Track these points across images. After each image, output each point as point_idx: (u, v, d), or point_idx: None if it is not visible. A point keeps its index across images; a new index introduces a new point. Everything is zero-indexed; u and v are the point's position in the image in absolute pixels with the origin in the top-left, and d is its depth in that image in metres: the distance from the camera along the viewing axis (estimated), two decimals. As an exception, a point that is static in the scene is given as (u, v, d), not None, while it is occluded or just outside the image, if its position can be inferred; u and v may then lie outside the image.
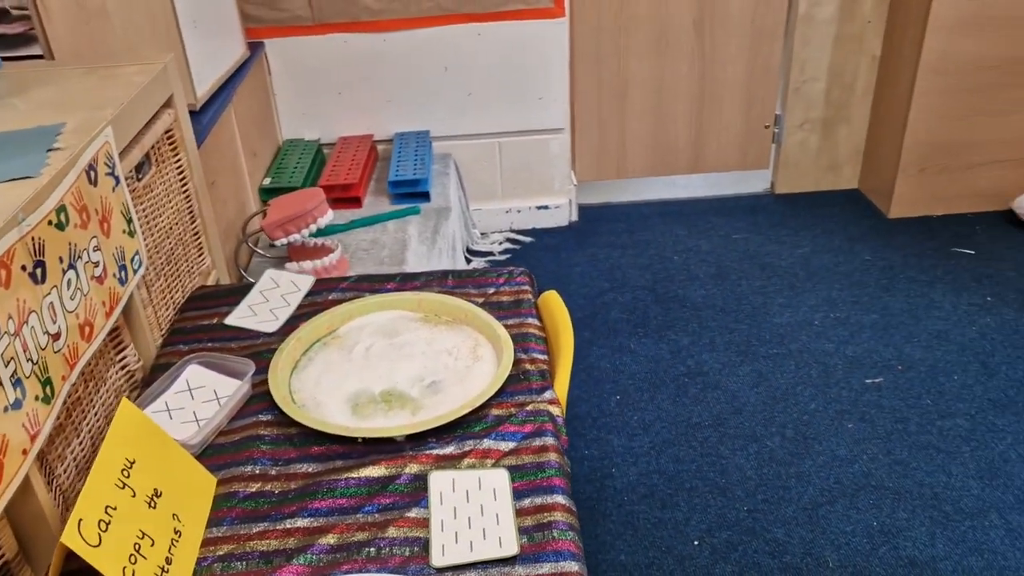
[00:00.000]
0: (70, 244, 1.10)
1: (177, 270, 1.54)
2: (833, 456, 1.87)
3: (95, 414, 1.21)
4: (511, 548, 0.97)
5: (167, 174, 1.52)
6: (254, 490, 1.08)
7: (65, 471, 1.11)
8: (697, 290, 2.49)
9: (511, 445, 1.13)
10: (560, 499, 1.04)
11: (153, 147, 1.45)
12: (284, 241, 1.92)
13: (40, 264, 1.02)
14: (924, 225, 2.75)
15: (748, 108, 2.87)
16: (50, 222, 1.05)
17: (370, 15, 2.47)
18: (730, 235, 2.78)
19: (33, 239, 1.01)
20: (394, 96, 2.61)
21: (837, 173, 2.99)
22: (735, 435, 1.94)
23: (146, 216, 1.42)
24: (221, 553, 0.99)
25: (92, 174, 1.18)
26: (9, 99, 1.34)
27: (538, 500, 1.04)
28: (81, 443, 1.16)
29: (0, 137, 1.18)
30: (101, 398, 1.23)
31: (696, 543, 1.68)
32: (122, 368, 1.31)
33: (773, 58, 2.78)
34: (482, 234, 2.82)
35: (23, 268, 0.98)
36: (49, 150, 1.14)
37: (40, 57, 1.78)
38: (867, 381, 2.08)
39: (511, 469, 1.08)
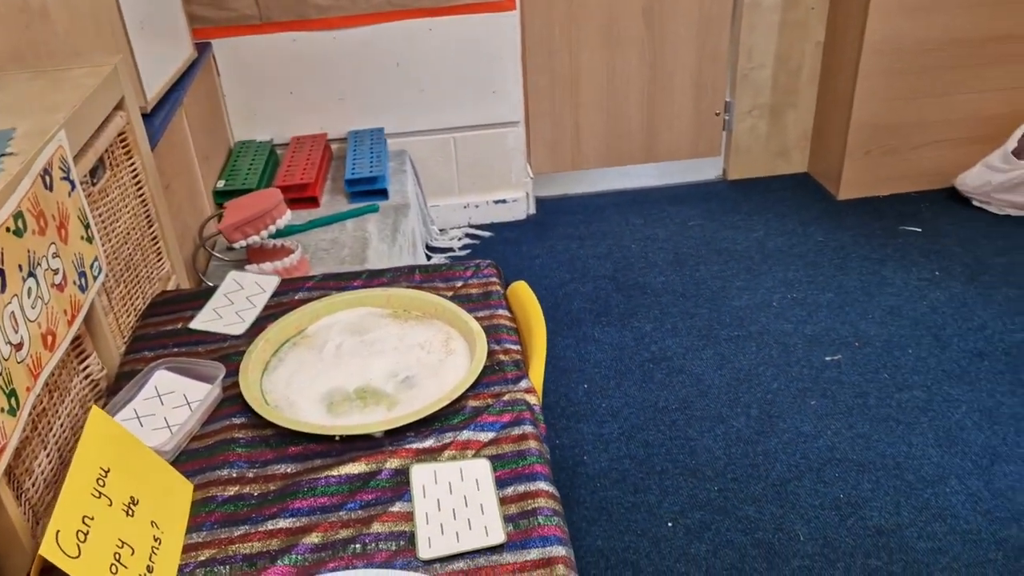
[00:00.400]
0: (29, 251, 1.07)
1: (137, 276, 1.51)
2: (798, 433, 1.91)
3: (61, 425, 1.18)
4: (497, 536, 0.97)
5: (122, 178, 1.49)
6: (232, 493, 1.06)
7: (33, 485, 1.08)
8: (657, 277, 2.53)
9: (490, 435, 1.13)
10: (543, 485, 1.05)
11: (107, 151, 1.42)
12: (243, 243, 1.89)
13: (0, 272, 0.99)
14: (872, 205, 2.83)
15: (698, 96, 2.91)
16: (8, 229, 1.02)
17: (319, 12, 2.44)
18: (686, 222, 2.82)
19: (-9, 247, 0.97)
20: (346, 94, 2.59)
21: (787, 158, 3.06)
22: (702, 417, 1.97)
23: (103, 221, 1.39)
24: (203, 558, 0.97)
25: (47, 179, 1.14)
26: (-47, 105, 1.30)
27: (521, 488, 1.04)
28: (48, 456, 1.13)
29: (-52, 144, 1.14)
30: (66, 408, 1.20)
31: (670, 524, 1.70)
32: (86, 377, 1.28)
33: (721, 46, 2.82)
34: (440, 230, 2.81)
35: (-18, 277, 0.95)
36: (1, 155, 1.11)
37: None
38: (827, 359, 2.13)
39: (492, 459, 1.09)
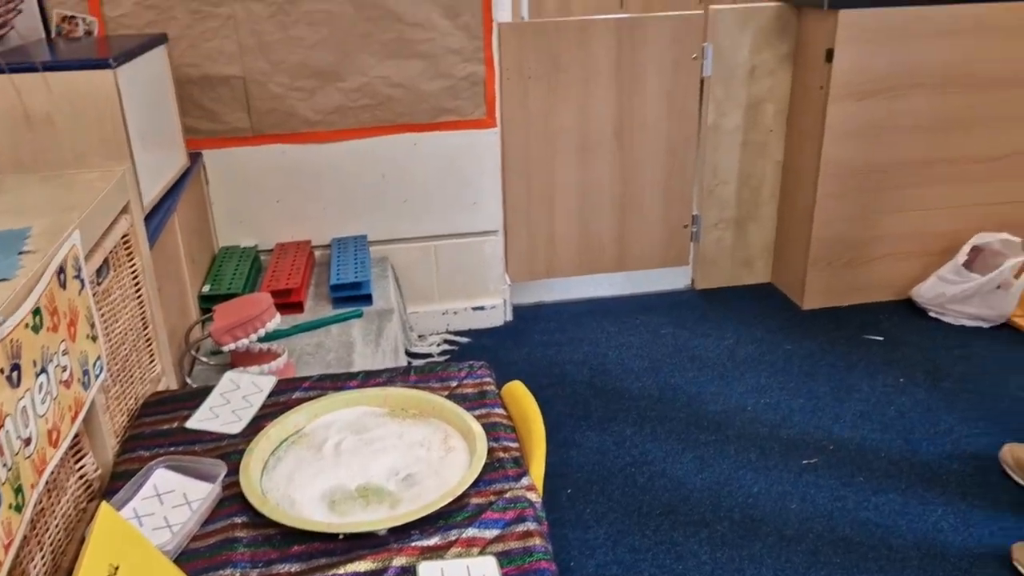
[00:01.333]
0: (43, 347, 1.08)
1: (131, 376, 1.51)
2: (781, 536, 1.93)
3: (56, 526, 1.16)
4: (509, 633, 0.97)
5: (123, 279, 1.51)
6: (237, 593, 1.05)
7: (28, 587, 1.06)
8: (633, 383, 2.57)
9: (495, 532, 1.14)
10: (551, 582, 1.05)
11: (112, 252, 1.45)
12: (232, 347, 1.90)
13: (16, 367, 1.00)
14: (835, 315, 2.94)
15: (667, 209, 3.05)
16: (26, 325, 1.03)
17: (309, 126, 2.55)
18: (658, 330, 2.90)
19: (11, 341, 0.99)
20: (331, 203, 2.66)
21: (751, 268, 3.19)
22: (686, 521, 1.98)
23: (104, 321, 1.40)
24: (209, 660, 0.95)
25: (62, 277, 1.17)
26: (-34, 206, 1.33)
27: (529, 584, 1.05)
28: (43, 557, 1.11)
29: (-33, 242, 1.17)
30: (62, 508, 1.18)
31: (661, 631, 1.69)
32: (81, 477, 1.26)
33: (688, 164, 2.99)
34: (420, 336, 2.84)
35: (1, 371, 0.96)
36: (20, 253, 1.13)
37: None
38: (804, 462, 2.17)
39: (498, 555, 1.09)
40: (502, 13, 2.70)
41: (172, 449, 1.33)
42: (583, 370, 2.65)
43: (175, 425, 1.40)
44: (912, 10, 2.63)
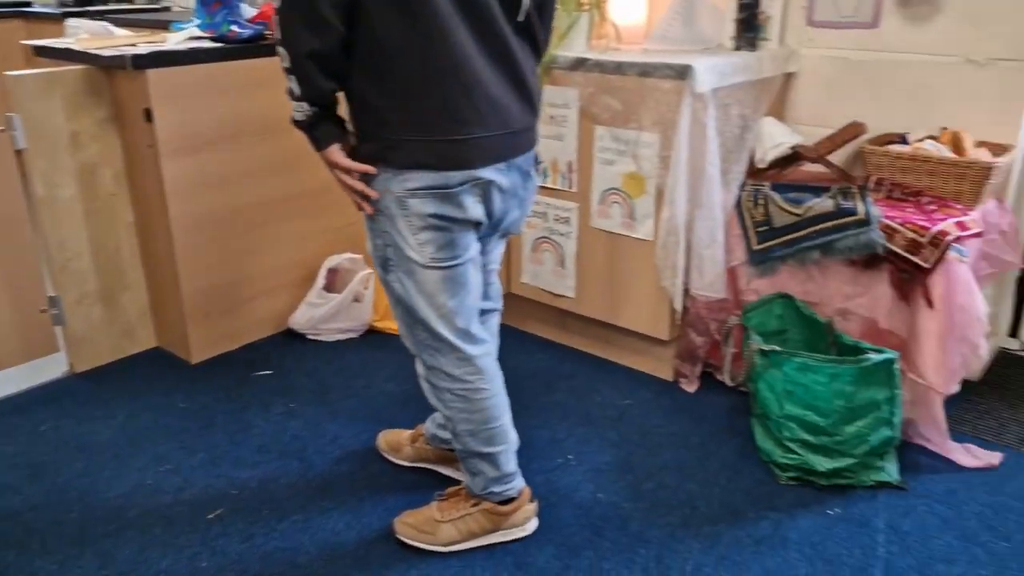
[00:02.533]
0: None
1: None
2: (196, 600, 1.91)
3: None
4: None
5: None
6: None
7: None
8: (14, 498, 2.27)
9: None
10: None
11: None
12: None
13: None
14: (225, 361, 3.02)
15: (17, 297, 2.75)
16: None
17: None
18: (36, 429, 2.60)
19: None
20: None
21: (133, 337, 3.07)
22: (92, 629, 1.83)
23: None
24: None
25: None
26: None
27: None
28: None
29: None
30: None
31: None
32: None
33: (27, 243, 2.73)
34: None
35: None
36: None
37: None
38: (209, 516, 2.18)
39: None
40: None
41: None
42: (-58, 506, 2.24)
43: None
44: (214, 66, 2.81)
